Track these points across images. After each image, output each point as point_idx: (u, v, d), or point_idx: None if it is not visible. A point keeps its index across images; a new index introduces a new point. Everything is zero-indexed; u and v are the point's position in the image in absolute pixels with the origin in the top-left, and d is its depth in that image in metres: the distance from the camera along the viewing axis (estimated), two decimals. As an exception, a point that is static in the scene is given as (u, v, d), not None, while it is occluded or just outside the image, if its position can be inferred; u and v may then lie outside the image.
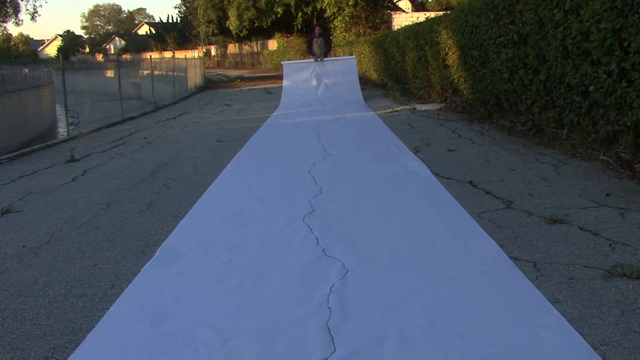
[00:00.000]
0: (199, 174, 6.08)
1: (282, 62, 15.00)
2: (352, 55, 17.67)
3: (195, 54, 35.66)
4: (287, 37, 33.29)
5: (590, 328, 2.41)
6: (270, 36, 37.29)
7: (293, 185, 5.24)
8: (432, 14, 13.84)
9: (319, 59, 13.86)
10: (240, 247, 3.67)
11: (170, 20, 59.34)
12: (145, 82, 17.85)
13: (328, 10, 22.72)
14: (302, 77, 13.74)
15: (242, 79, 27.14)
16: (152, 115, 13.67)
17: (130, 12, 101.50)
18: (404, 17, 21.87)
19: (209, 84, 25.49)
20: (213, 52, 50.12)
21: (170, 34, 55.36)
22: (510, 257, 3.21)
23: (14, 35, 72.14)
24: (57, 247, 3.91)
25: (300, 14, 24.83)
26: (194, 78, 22.89)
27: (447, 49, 9.61)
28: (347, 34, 22.33)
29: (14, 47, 65.62)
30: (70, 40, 73.56)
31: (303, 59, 16.85)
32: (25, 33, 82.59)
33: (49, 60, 18.43)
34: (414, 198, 4.60)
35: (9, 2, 35.12)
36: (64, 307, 2.93)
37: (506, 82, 7.18)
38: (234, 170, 6.15)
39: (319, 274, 3.14)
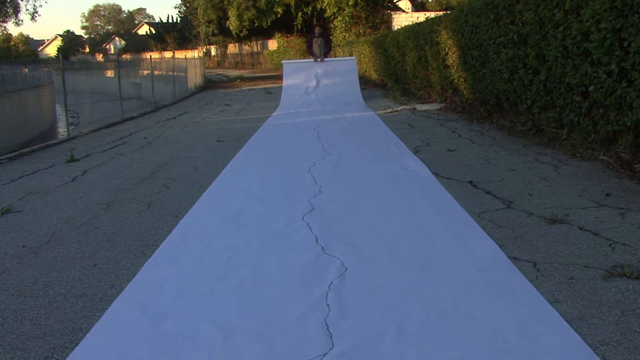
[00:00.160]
0: (199, 173, 6.08)
1: (282, 61, 15.01)
2: (352, 55, 17.68)
3: (195, 54, 35.66)
4: (287, 37, 33.30)
5: (590, 328, 2.41)
6: (270, 36, 37.30)
7: (293, 185, 5.24)
8: (432, 14, 13.84)
9: (319, 59, 13.87)
10: (240, 245, 3.68)
11: (170, 20, 59.34)
12: (145, 82, 17.85)
13: (328, 10, 22.72)
14: (302, 77, 13.74)
15: (242, 79, 27.14)
16: (152, 115, 13.67)
17: (130, 12, 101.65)
18: (404, 17, 21.87)
19: (209, 84, 25.48)
20: (213, 52, 50.12)
21: (170, 34, 55.36)
22: (510, 257, 3.21)
23: (14, 35, 72.24)
24: (57, 247, 3.91)
25: (300, 14, 24.83)
26: (194, 78, 22.89)
27: (447, 49, 9.62)
28: (347, 34, 22.34)
29: (14, 47, 65.63)
30: (70, 40, 73.57)
31: (303, 59, 16.85)
32: (25, 33, 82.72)
33: (49, 60, 18.43)
34: (413, 198, 4.61)
35: (9, 2, 35.13)
36: (64, 307, 2.93)
37: (506, 82, 7.18)
38: (234, 170, 6.15)
39: (318, 271, 3.15)
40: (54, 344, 2.55)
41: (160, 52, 46.30)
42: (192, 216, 4.45)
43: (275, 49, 38.64)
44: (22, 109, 10.74)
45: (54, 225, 4.42)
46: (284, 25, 27.97)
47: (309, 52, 14.55)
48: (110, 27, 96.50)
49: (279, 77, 17.18)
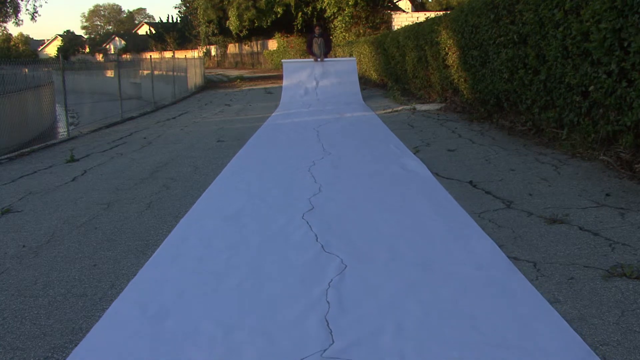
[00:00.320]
0: (199, 173, 6.08)
1: (283, 61, 15.00)
2: (352, 56, 17.68)
3: (195, 54, 35.65)
4: (287, 37, 33.29)
5: (590, 328, 2.41)
6: (270, 36, 37.29)
7: (293, 184, 5.25)
8: (432, 14, 13.84)
9: (319, 59, 13.86)
10: (240, 245, 3.68)
11: (170, 20, 59.33)
12: (145, 82, 17.85)
13: (328, 10, 22.72)
14: (303, 77, 13.74)
15: (242, 79, 27.13)
16: (152, 115, 13.67)
17: (130, 12, 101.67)
18: (404, 17, 21.87)
19: (209, 84, 25.48)
20: (213, 52, 50.10)
21: (170, 34, 55.35)
22: (510, 257, 3.21)
23: (14, 35, 72.21)
24: (57, 247, 3.91)
25: (300, 14, 24.83)
26: (194, 78, 22.88)
27: (447, 49, 9.62)
28: (347, 34, 22.34)
29: (14, 47, 65.61)
30: (70, 40, 73.57)
31: (303, 59, 16.85)
32: (25, 33, 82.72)
33: (49, 60, 18.43)
34: (413, 198, 4.61)
35: (9, 2, 35.13)
36: (64, 307, 2.93)
37: (506, 82, 7.18)
38: (234, 170, 6.15)
39: (318, 269, 3.16)
40: (54, 344, 2.55)
41: (160, 52, 46.29)
42: (192, 216, 4.45)
43: (275, 49, 38.63)
44: (22, 109, 10.74)
45: (54, 225, 4.42)
46: (284, 25, 27.97)
47: (309, 52, 14.56)
48: (110, 27, 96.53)
49: (279, 77, 17.18)
